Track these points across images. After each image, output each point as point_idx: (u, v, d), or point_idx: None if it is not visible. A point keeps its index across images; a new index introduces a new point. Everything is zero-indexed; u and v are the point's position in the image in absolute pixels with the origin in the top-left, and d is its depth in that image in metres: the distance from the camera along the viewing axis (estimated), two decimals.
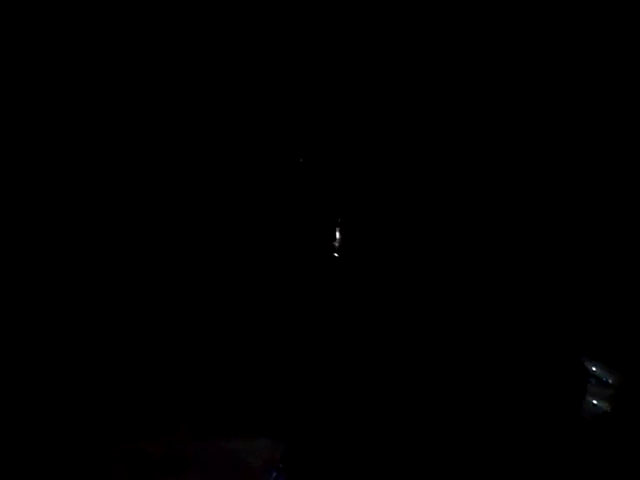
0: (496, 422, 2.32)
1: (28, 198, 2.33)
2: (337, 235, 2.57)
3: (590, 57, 2.38)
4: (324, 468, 2.28)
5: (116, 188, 2.44)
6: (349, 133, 2.61)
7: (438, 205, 2.57)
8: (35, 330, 2.26)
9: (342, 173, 2.62)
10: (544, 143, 2.46)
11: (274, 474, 2.17)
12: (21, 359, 2.19)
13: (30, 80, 2.31)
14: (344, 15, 2.52)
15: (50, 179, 2.35)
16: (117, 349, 2.32)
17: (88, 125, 2.40)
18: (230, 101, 2.55)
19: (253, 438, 2.23)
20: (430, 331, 2.51)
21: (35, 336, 2.25)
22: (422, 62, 2.52)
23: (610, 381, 2.13)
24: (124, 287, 2.41)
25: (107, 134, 2.42)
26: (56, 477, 1.91)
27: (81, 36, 2.35)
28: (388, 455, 2.29)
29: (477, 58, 2.47)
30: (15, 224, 2.30)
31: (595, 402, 2.15)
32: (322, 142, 2.62)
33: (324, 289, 2.56)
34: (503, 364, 2.43)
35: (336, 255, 2.56)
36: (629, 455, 2.07)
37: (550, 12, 2.36)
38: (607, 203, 2.43)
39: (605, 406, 2.13)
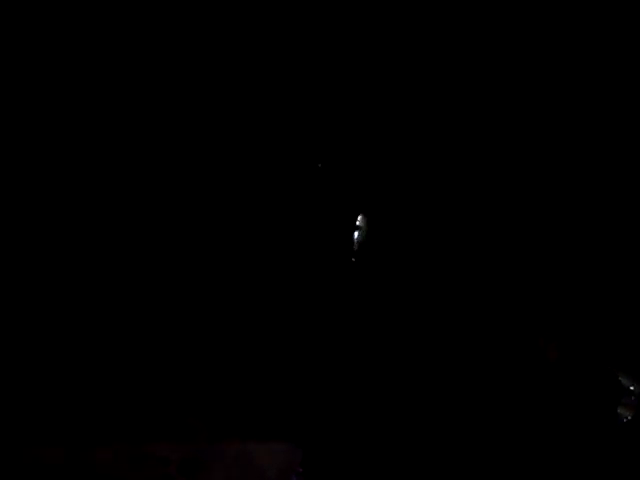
0: (529, 429, 2.30)
1: (28, 198, 2.36)
2: (355, 240, 2.57)
3: (590, 57, 2.32)
4: (347, 474, 2.29)
5: (131, 188, 2.47)
6: (369, 139, 2.60)
7: (456, 210, 2.53)
8: (52, 329, 2.32)
9: (361, 178, 2.61)
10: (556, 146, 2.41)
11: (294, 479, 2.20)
12: (35, 359, 2.25)
13: (30, 80, 2.33)
14: (361, 19, 2.51)
15: (50, 179, 2.38)
16: (134, 353, 2.36)
17: (89, 125, 2.42)
18: (253, 108, 2.57)
19: (269, 441, 2.26)
20: (457, 341, 2.49)
21: (50, 336, 2.30)
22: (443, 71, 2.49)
23: (632, 389, 2.07)
24: (144, 290, 2.45)
25: (111, 134, 2.44)
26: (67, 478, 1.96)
27: (81, 36, 2.35)
28: (413, 461, 2.29)
29: (480, 60, 2.42)
30: (15, 224, 2.33)
31: (618, 410, 2.10)
32: (341, 148, 2.61)
33: (343, 293, 2.56)
34: (538, 374, 2.40)
35: (354, 259, 2.56)
36: None
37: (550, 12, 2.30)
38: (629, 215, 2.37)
39: (628, 414, 2.07)
